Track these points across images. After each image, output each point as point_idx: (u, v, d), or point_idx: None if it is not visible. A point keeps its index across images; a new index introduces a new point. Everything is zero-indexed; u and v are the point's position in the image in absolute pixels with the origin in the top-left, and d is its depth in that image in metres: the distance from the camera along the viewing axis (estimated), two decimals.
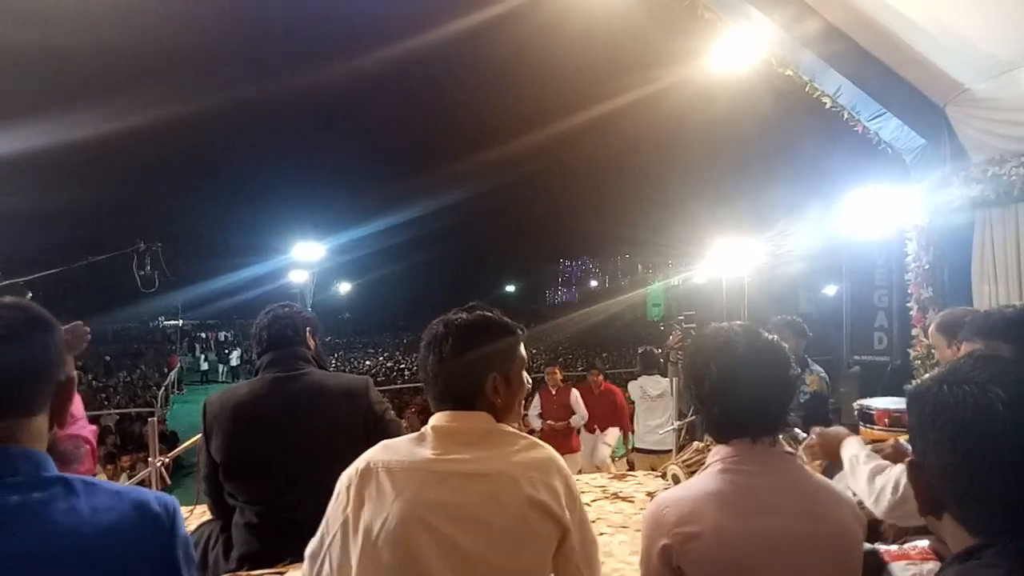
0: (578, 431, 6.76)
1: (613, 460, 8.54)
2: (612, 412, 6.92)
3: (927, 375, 1.00)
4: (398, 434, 2.22)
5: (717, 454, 1.46)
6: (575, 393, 6.69)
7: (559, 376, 6.84)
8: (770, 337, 1.47)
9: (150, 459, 2.55)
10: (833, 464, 2.54)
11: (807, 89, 4.97)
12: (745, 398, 1.41)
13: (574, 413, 6.64)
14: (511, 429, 1.49)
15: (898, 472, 1.85)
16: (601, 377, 7.11)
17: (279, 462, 2.12)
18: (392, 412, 2.32)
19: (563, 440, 6.44)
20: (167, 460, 2.57)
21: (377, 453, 1.44)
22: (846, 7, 4.41)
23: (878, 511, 1.94)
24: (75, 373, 1.17)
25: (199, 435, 2.41)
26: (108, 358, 27.80)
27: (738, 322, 1.53)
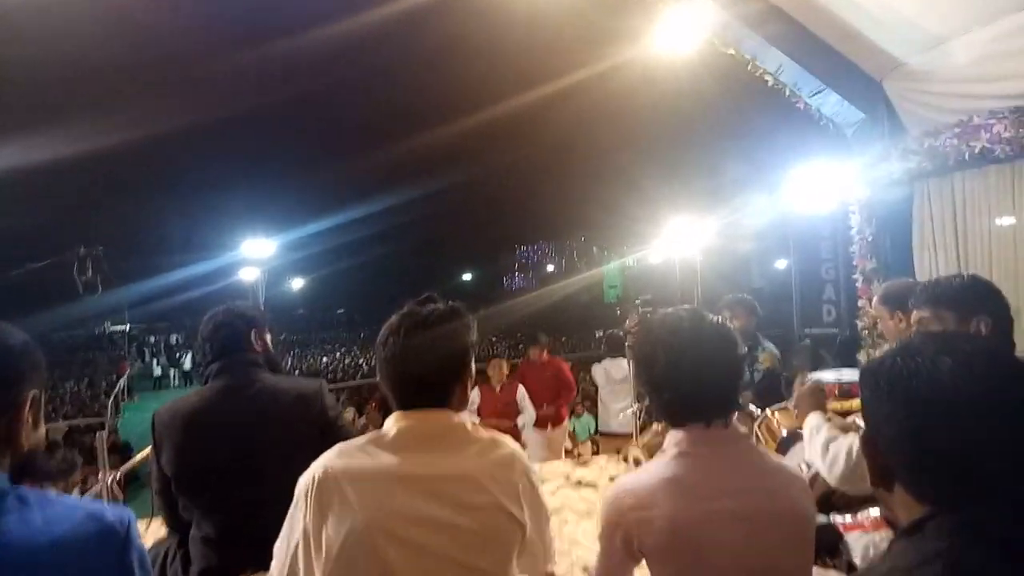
0: (522, 426, 5.91)
1: (575, 444, 8.59)
2: (556, 385, 6.26)
3: (882, 351, 1.02)
4: (350, 435, 2.18)
5: (672, 438, 1.47)
6: (522, 390, 5.95)
7: (505, 371, 6.02)
8: (715, 319, 1.48)
9: (100, 474, 2.44)
10: (779, 451, 2.61)
11: (749, 68, 5.04)
12: (694, 382, 1.42)
13: (520, 412, 5.84)
14: (470, 425, 1.46)
15: (850, 440, 1.91)
16: (546, 352, 6.46)
17: (233, 472, 2.06)
18: (344, 417, 2.27)
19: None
20: (119, 474, 2.47)
21: (333, 459, 1.39)
22: None
23: (831, 478, 2.00)
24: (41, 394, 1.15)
25: (147, 449, 2.32)
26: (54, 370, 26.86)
27: (685, 306, 1.54)
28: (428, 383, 1.41)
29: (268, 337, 2.30)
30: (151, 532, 2.82)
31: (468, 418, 1.43)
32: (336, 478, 1.34)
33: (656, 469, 1.44)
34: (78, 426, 14.97)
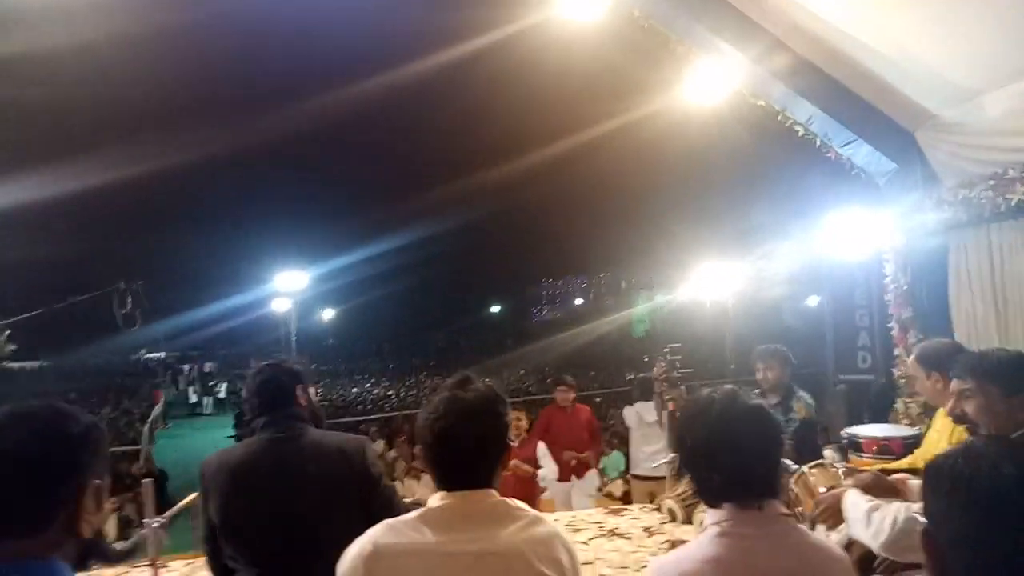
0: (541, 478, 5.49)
1: (605, 482, 8.49)
2: (583, 435, 6.01)
3: (944, 450, 1.06)
4: (393, 498, 2.25)
5: (712, 517, 1.49)
6: (542, 447, 5.55)
7: (524, 424, 5.71)
8: (753, 402, 1.52)
9: (145, 520, 2.54)
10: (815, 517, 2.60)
11: (779, 118, 5.10)
12: (737, 464, 1.45)
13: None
14: (512, 503, 1.52)
15: (895, 509, 1.91)
16: (572, 395, 6.16)
17: (276, 524, 2.13)
18: (386, 476, 2.35)
19: (526, 490, 5.09)
20: (165, 520, 2.56)
21: (383, 535, 1.46)
22: (815, 41, 4.54)
23: (876, 546, 1.99)
24: (104, 479, 1.16)
25: (194, 495, 2.41)
26: (74, 395, 27.27)
27: (727, 386, 1.58)
28: (471, 465, 1.49)
29: (312, 391, 2.40)
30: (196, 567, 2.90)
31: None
32: (385, 554, 1.42)
33: (697, 550, 1.46)
34: (114, 452, 15.22)
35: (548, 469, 5.50)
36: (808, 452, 3.96)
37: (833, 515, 2.24)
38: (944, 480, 0.97)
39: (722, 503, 1.48)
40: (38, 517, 1.07)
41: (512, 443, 5.32)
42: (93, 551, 1.14)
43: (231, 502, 2.17)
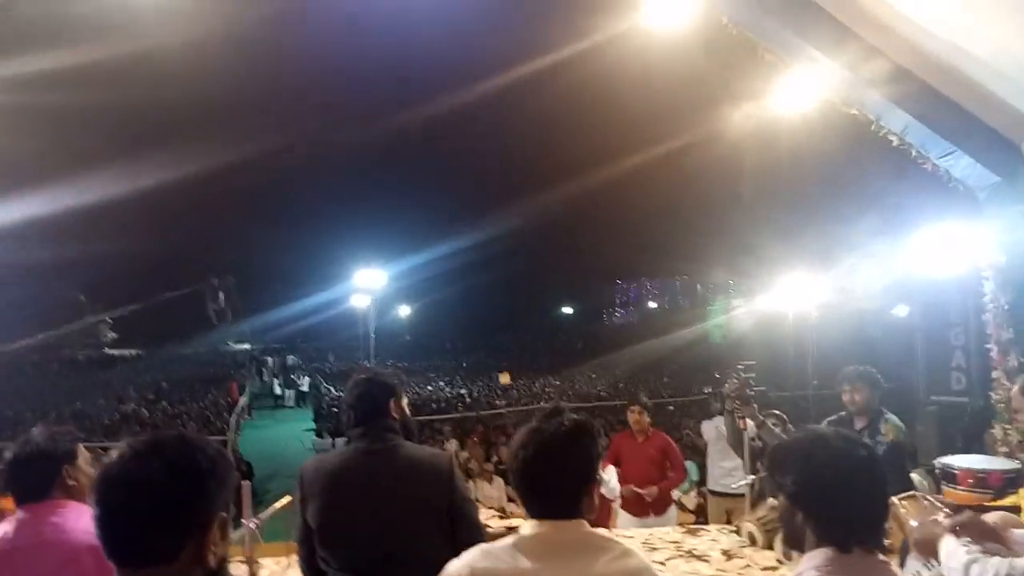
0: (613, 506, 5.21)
1: (679, 497, 8.36)
2: (659, 467, 5.22)
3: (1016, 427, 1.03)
4: (474, 515, 2.33)
5: (812, 560, 1.46)
6: (610, 469, 5.14)
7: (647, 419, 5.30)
8: (863, 450, 1.49)
9: (243, 520, 2.69)
10: (908, 543, 2.50)
11: (873, 128, 4.92)
12: (836, 511, 1.43)
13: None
14: (604, 535, 1.58)
15: (995, 565, 1.82)
16: (646, 417, 5.40)
17: (367, 532, 2.23)
18: (470, 492, 2.43)
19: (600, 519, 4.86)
20: (259, 522, 2.71)
21: (479, 560, 1.52)
22: (911, 47, 4.36)
23: None
24: (226, 512, 1.22)
25: (287, 499, 2.55)
26: (165, 384, 28.74)
27: (837, 429, 1.57)
28: (557, 496, 1.53)
29: (404, 403, 2.50)
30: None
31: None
32: None
33: None
34: None
35: (610, 489, 5.06)
36: (896, 477, 3.82)
37: (927, 550, 2.16)
38: None
39: (823, 545, 1.46)
40: (168, 547, 1.13)
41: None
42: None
43: (327, 507, 2.28)
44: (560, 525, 1.51)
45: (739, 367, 4.21)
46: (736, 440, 4.76)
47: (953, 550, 1.99)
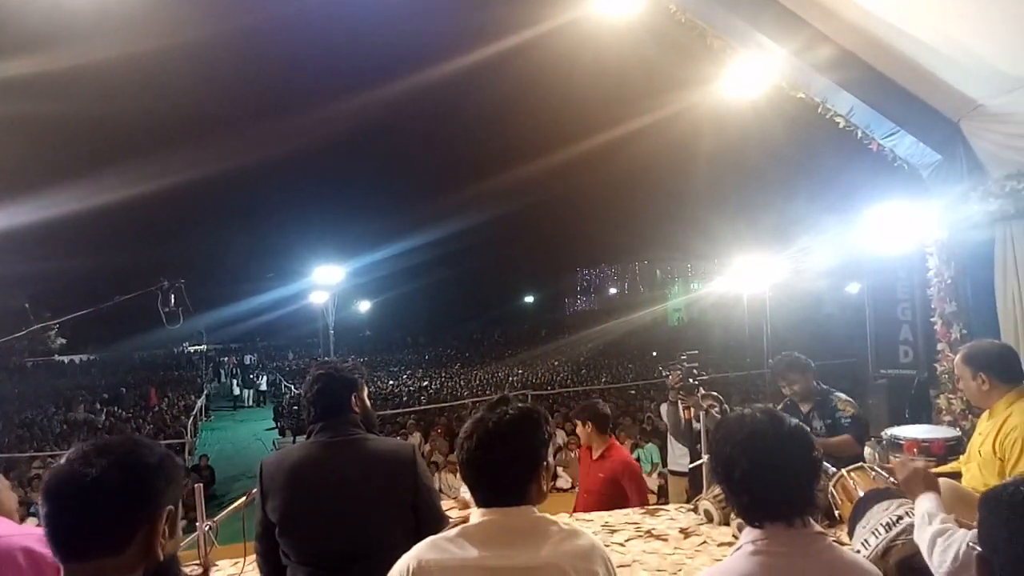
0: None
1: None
2: (612, 492, 4.06)
3: (1003, 481, 1.09)
4: (438, 506, 2.31)
5: (747, 535, 1.50)
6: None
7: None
8: (793, 422, 1.52)
9: (198, 523, 2.63)
10: (856, 512, 2.57)
11: (819, 111, 5.02)
12: (774, 485, 1.46)
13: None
14: (549, 518, 1.57)
15: (959, 539, 1.87)
16: (590, 428, 4.29)
17: (328, 524, 2.21)
18: (433, 483, 2.41)
19: None
20: (215, 523, 2.65)
21: (426, 551, 1.51)
22: (856, 32, 4.45)
23: (938, 574, 1.96)
24: (173, 507, 1.28)
25: (242, 499, 2.49)
26: (124, 389, 28.07)
27: (758, 406, 1.60)
28: (502, 484, 1.54)
29: (366, 395, 2.46)
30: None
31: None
32: (430, 570, 1.47)
33: (732, 567, 1.48)
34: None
35: None
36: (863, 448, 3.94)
37: (910, 488, 2.20)
38: (1003, 507, 1.00)
39: (757, 521, 1.49)
40: (115, 539, 1.18)
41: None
42: (165, 574, 1.26)
43: (289, 501, 2.25)
44: (507, 511, 1.52)
45: (682, 357, 4.25)
46: (678, 429, 4.87)
47: (926, 512, 2.03)
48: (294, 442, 15.49)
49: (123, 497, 1.18)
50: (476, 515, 1.55)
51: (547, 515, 1.57)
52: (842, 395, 4.11)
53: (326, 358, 2.56)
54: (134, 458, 1.22)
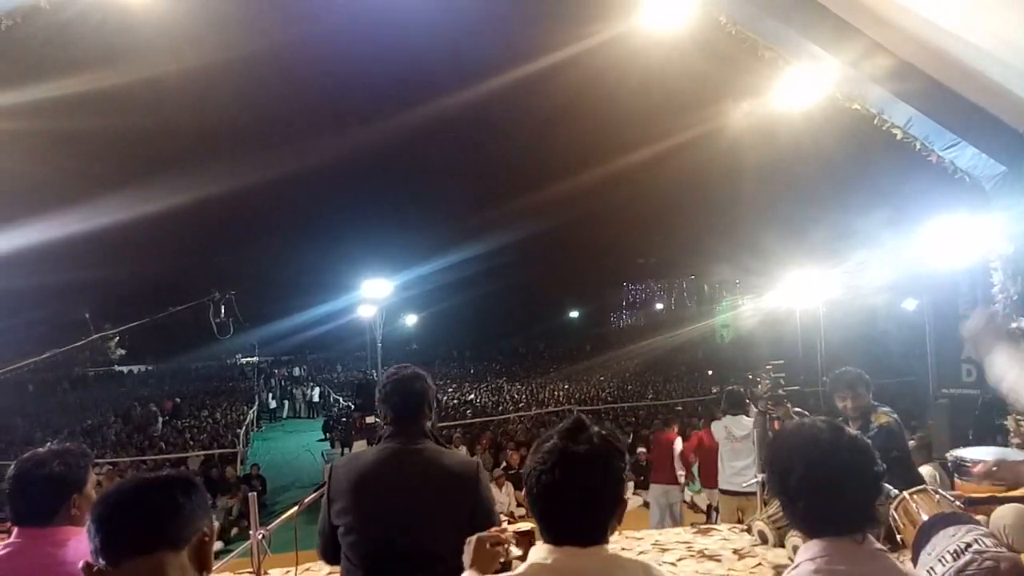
0: None
1: (690, 497, 8.40)
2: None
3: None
4: (496, 520, 2.32)
5: (806, 552, 1.46)
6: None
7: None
8: (854, 432, 1.48)
9: (251, 532, 2.68)
10: (920, 538, 2.48)
11: (876, 122, 4.89)
12: (831, 494, 1.42)
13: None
14: (620, 558, 1.46)
15: None
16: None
17: (388, 529, 2.25)
18: (494, 500, 2.44)
19: None
20: (268, 532, 2.70)
21: None
22: (913, 41, 4.34)
23: None
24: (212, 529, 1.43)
25: (295, 507, 2.54)
26: (178, 400, 28.78)
27: (821, 418, 1.55)
28: (584, 523, 1.41)
29: (432, 412, 2.49)
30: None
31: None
32: None
33: None
34: (212, 456, 15.94)
35: None
36: (891, 463, 3.77)
37: None
38: None
39: (820, 535, 1.45)
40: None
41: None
42: None
43: (355, 504, 2.30)
44: (577, 553, 1.40)
45: (768, 367, 4.17)
46: (764, 440, 4.76)
47: None
48: (342, 453, 15.71)
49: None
50: (543, 551, 1.43)
51: (618, 554, 1.46)
52: (885, 408, 3.96)
53: (404, 363, 2.59)
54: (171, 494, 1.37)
